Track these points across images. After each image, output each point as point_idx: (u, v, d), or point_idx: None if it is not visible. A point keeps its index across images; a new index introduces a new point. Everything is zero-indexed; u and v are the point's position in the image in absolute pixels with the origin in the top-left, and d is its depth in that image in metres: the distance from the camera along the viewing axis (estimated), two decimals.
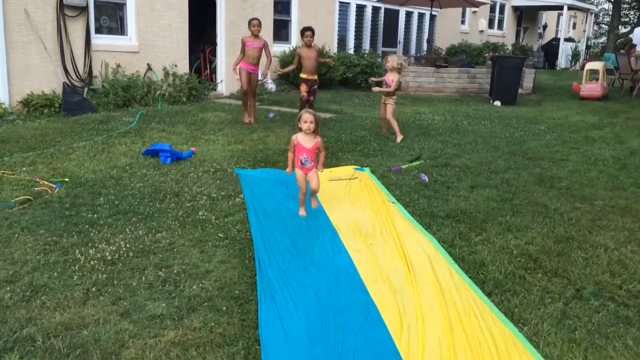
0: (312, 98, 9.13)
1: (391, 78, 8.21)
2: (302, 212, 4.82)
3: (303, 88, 9.01)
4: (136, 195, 5.14)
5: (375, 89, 8.79)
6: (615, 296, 3.37)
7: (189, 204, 4.96)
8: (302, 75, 9.02)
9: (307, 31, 8.84)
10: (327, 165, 6.50)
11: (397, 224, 4.62)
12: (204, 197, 5.15)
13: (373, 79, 9.16)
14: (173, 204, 4.95)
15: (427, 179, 5.90)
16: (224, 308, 3.15)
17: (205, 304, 3.21)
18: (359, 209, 5.02)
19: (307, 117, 4.59)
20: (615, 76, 17.97)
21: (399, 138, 8.11)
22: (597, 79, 14.91)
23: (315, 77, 9.15)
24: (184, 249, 3.99)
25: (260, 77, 9.63)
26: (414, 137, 8.39)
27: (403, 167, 6.51)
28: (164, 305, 3.18)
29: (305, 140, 4.66)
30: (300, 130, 4.66)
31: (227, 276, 3.57)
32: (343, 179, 5.93)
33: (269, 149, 7.20)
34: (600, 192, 5.66)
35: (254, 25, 8.84)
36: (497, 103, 13.05)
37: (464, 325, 3.08)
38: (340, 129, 8.80)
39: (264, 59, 9.18)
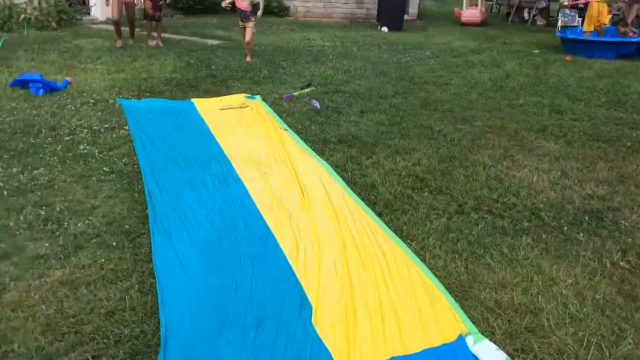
0: (158, 14, 8.68)
1: (245, 3, 8.01)
2: None
3: (147, 5, 8.54)
4: (6, 131, 4.68)
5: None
6: (492, 209, 3.66)
7: (67, 138, 4.61)
8: None
9: None
10: (216, 93, 6.31)
11: (291, 151, 4.62)
12: (85, 130, 4.81)
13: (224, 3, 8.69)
14: (50, 139, 4.57)
15: (318, 106, 5.91)
16: (114, 243, 3.03)
17: (93, 240, 3.06)
18: (251, 138, 4.95)
19: None
20: (492, 2, 18.81)
21: (248, 59, 8.35)
22: (476, 5, 15.54)
23: None
24: (66, 186, 3.73)
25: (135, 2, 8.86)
26: (304, 64, 8.31)
27: (294, 94, 6.46)
28: (47, 244, 2.99)
29: None
30: None
31: (116, 211, 3.40)
32: (234, 108, 5.79)
33: (154, 78, 6.81)
34: (479, 113, 6.00)
35: None
36: (385, 29, 13.22)
37: (357, 244, 3.21)
38: (229, 56, 8.50)
39: None
